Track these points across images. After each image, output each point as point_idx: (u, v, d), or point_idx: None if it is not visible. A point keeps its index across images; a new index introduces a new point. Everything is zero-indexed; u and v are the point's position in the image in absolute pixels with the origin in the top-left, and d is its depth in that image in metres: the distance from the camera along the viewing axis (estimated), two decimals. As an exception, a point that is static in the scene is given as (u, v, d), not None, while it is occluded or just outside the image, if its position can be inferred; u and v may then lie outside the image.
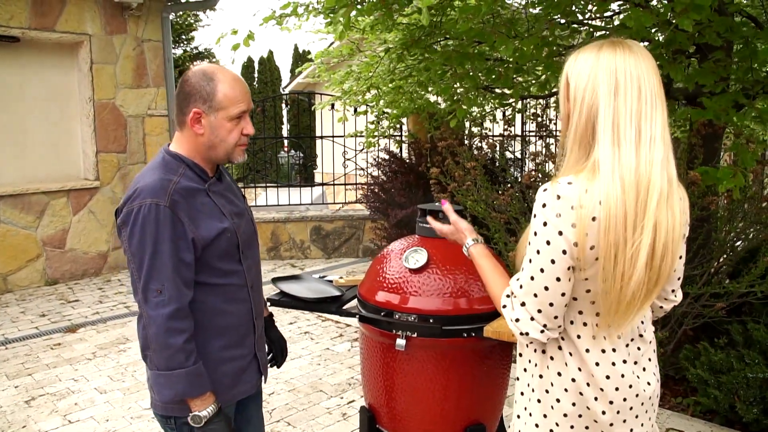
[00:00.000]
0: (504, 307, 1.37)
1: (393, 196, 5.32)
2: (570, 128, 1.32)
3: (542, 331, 1.32)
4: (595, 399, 1.36)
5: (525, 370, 1.49)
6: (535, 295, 1.30)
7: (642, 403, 1.41)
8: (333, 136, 7.85)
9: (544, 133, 3.85)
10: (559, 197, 1.26)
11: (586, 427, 1.37)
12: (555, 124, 4.55)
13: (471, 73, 3.00)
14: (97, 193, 6.71)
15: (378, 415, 2.23)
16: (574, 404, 1.37)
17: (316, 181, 8.53)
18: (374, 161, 5.91)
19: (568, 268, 1.28)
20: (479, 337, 2.05)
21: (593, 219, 1.24)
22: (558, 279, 1.28)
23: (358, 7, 2.50)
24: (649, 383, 1.43)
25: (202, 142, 1.67)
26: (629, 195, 1.23)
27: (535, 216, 1.31)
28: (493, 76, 2.98)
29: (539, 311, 1.31)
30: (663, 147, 1.27)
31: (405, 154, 6.94)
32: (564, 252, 1.26)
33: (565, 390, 1.37)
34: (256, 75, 19.80)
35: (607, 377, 1.36)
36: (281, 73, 20.19)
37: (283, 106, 17.94)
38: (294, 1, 3.04)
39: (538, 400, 1.42)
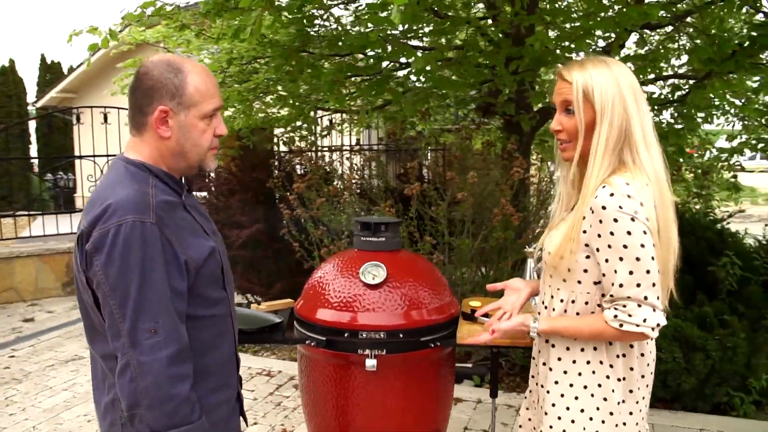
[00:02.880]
0: (621, 326, 1.40)
1: (231, 216, 5.00)
2: (599, 135, 1.45)
3: (665, 314, 1.41)
4: (642, 377, 1.52)
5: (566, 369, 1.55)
6: (654, 285, 1.38)
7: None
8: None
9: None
10: (629, 196, 1.38)
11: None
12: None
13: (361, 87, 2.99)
14: None
15: (335, 444, 2.09)
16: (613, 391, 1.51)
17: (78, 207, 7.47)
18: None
19: None
20: (447, 346, 2.06)
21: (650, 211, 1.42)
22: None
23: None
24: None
25: (169, 147, 1.39)
26: (662, 188, 1.46)
27: (616, 220, 1.38)
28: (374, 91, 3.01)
29: (658, 297, 1.39)
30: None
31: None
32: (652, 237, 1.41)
33: (618, 380, 1.49)
34: (-5, 86, 16.91)
35: (650, 352, 1.54)
36: (26, 86, 17.51)
37: (32, 123, 15.65)
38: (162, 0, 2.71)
39: (592, 395, 1.50)
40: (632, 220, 1.37)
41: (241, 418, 1.62)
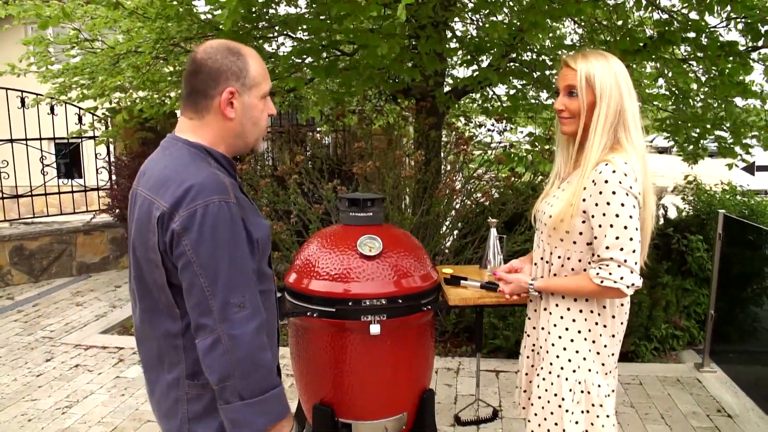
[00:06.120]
0: (602, 282, 1.66)
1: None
2: (598, 116, 1.72)
3: (641, 278, 1.66)
4: (621, 323, 1.83)
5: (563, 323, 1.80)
6: (633, 251, 1.65)
7: None
8: (26, 139, 6.60)
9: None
10: (626, 174, 1.64)
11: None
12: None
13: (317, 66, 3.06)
14: None
15: (337, 407, 2.23)
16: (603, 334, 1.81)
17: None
18: (112, 164, 5.24)
19: None
20: (438, 309, 2.26)
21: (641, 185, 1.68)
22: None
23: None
24: None
25: (231, 129, 1.47)
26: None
27: (615, 193, 1.64)
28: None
29: (636, 263, 1.65)
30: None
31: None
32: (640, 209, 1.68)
33: (604, 326, 1.80)
34: None
35: (627, 303, 1.84)
36: None
37: None
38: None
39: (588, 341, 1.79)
40: (627, 194, 1.64)
41: None
